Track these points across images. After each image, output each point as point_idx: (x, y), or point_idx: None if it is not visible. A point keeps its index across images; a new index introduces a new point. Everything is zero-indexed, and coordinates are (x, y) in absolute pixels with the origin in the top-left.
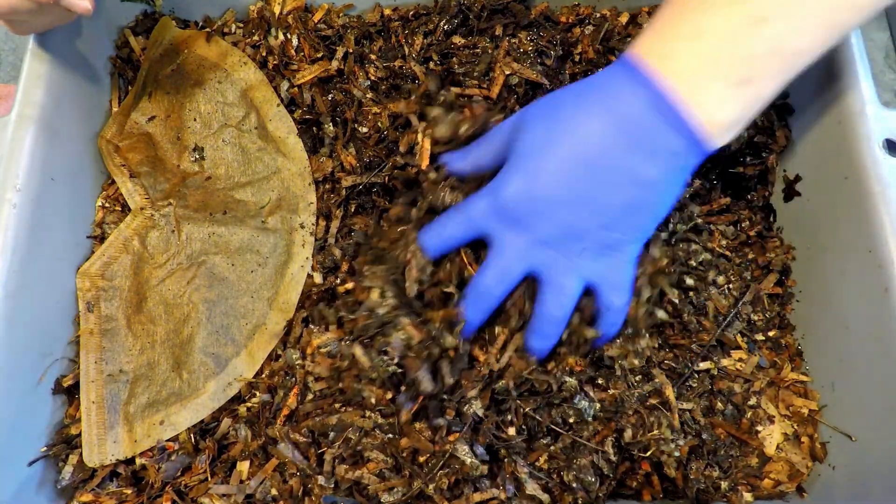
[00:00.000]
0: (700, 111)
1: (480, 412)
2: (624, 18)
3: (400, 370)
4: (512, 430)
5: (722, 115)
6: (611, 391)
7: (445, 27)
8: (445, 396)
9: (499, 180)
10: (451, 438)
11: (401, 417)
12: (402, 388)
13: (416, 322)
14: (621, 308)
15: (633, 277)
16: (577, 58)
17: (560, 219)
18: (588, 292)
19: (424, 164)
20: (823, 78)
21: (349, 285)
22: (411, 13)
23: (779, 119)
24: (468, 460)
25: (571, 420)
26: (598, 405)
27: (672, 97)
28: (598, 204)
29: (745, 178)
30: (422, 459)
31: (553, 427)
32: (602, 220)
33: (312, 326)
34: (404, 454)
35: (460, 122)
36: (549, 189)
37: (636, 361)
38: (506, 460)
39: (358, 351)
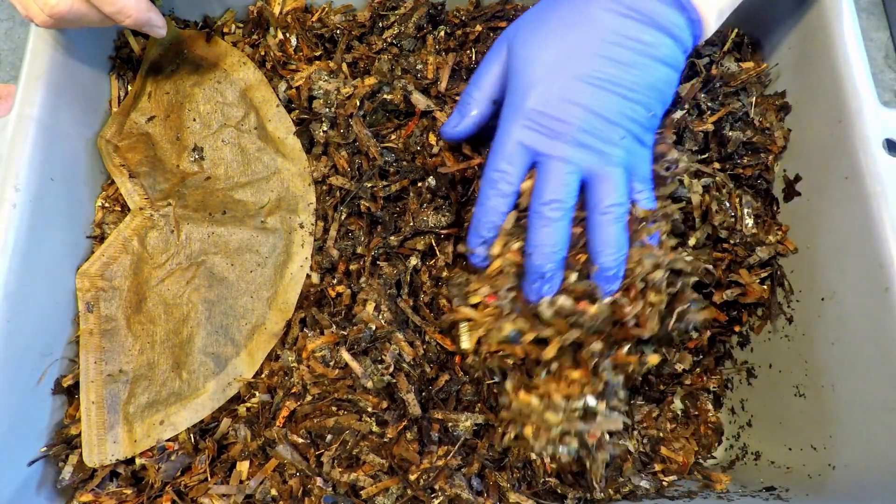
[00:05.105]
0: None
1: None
2: None
3: (394, 380)
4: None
5: (716, 1)
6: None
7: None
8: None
9: (516, 96)
10: (440, 452)
11: (388, 432)
12: (393, 402)
13: (409, 339)
14: (651, 200)
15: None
16: None
17: (596, 108)
18: None
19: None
20: (823, 78)
21: (340, 288)
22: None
23: (777, 119)
24: (464, 495)
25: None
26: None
27: None
28: (626, 86)
29: (744, 179)
30: (412, 477)
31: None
32: (633, 101)
33: (307, 330)
34: (396, 460)
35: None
36: (575, 82)
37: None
38: (487, 470)
39: (349, 357)
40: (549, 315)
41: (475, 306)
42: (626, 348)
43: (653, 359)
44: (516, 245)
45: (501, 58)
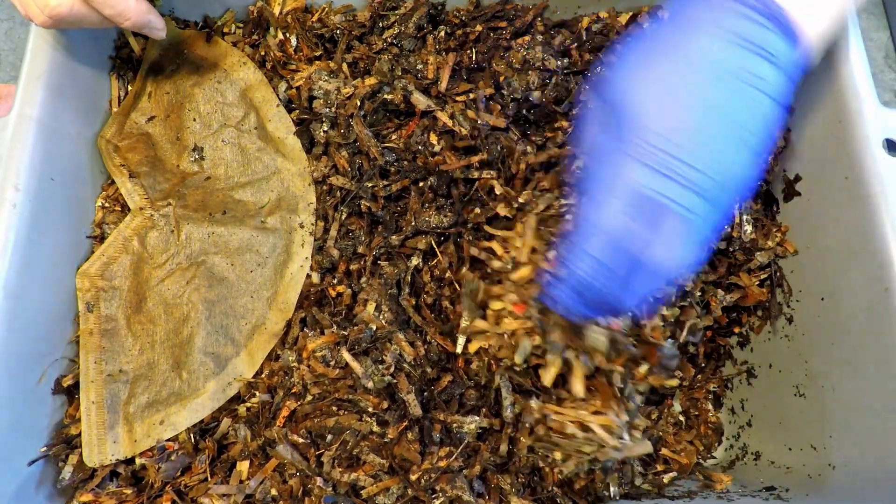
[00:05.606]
0: (808, 26)
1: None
2: (624, 19)
3: (395, 381)
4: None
5: (821, 29)
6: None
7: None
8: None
9: (623, 123)
10: (441, 453)
11: (388, 433)
12: (394, 402)
13: (410, 339)
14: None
15: None
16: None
17: (718, 151)
18: None
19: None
20: (823, 78)
21: (340, 288)
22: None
23: None
24: (465, 497)
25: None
26: None
27: (786, 11)
28: (744, 125)
29: None
30: (413, 477)
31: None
32: (750, 144)
33: (307, 330)
34: (397, 461)
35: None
36: (696, 118)
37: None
38: (488, 473)
39: (349, 357)
40: (596, 342)
41: (484, 313)
42: (644, 367)
43: (672, 381)
44: (551, 253)
45: (598, 113)
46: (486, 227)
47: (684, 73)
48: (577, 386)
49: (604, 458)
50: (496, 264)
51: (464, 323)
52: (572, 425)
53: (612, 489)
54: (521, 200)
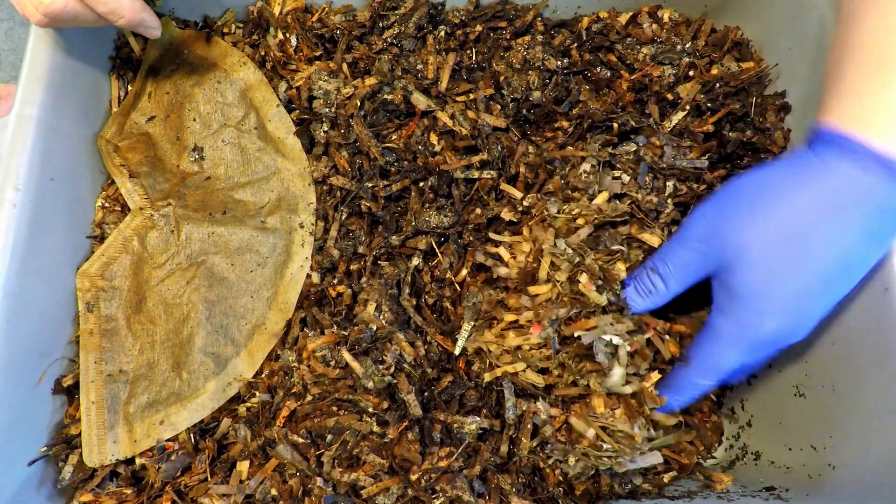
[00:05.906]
0: None
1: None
2: (624, 19)
3: (395, 381)
4: (505, 447)
5: None
6: None
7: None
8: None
9: (744, 322)
10: (442, 453)
11: (388, 433)
12: (394, 402)
13: (410, 340)
14: None
15: None
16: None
17: (812, 326)
18: None
19: None
20: (823, 78)
21: (340, 288)
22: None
23: (777, 119)
24: (465, 497)
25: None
26: None
27: None
28: (854, 285)
29: None
30: (413, 477)
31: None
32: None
33: (307, 330)
34: (397, 461)
35: None
36: (812, 310)
37: None
38: (488, 473)
39: (349, 357)
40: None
41: (489, 320)
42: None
43: (688, 436)
44: (583, 277)
45: (702, 247)
46: (492, 235)
47: (812, 267)
48: (599, 405)
49: (620, 469)
50: (503, 271)
51: (466, 326)
52: (594, 431)
53: (617, 490)
54: (525, 204)
